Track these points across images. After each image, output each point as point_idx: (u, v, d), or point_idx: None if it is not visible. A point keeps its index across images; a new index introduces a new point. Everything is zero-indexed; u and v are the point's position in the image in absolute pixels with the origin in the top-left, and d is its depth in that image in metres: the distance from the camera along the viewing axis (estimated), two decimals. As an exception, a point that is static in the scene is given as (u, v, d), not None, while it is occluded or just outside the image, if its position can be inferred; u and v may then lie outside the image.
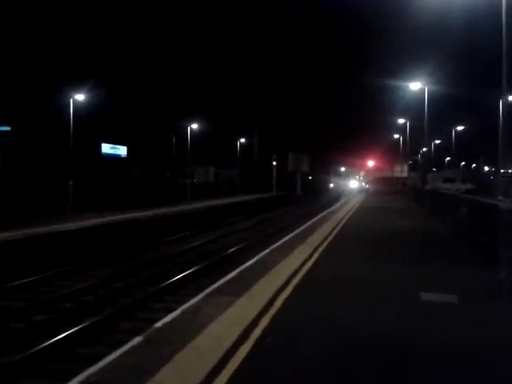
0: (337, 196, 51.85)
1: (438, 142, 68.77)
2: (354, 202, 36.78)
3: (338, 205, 35.92)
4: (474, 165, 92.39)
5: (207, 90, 53.40)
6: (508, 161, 8.77)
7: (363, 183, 66.60)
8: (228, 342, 5.44)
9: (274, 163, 61.26)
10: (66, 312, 10.37)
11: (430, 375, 4.93)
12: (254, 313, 6.64)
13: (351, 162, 63.40)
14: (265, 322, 6.29)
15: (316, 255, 11.74)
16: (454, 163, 72.91)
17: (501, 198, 8.48)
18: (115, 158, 37.04)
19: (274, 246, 13.77)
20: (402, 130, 49.14)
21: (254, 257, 11.98)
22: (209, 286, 8.70)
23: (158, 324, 6.13)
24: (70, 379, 4.70)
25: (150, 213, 24.85)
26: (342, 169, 61.42)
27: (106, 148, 36.25)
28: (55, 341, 8.05)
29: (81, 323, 8.98)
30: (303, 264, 10.54)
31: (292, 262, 10.68)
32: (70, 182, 26.81)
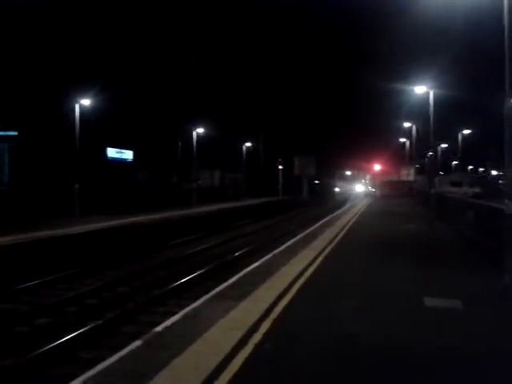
0: (343, 200, 51.69)
1: (444, 145, 68.45)
2: (360, 206, 36.64)
3: (343, 209, 35.81)
4: (481, 169, 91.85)
5: (213, 94, 53.44)
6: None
7: (369, 187, 66.34)
8: (227, 347, 5.40)
9: (280, 167, 61.20)
10: (69, 315, 10.38)
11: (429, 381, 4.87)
12: (254, 317, 6.60)
13: (357, 166, 63.27)
14: (265, 326, 6.24)
15: (319, 260, 11.67)
16: (462, 167, 72.56)
17: (507, 201, 8.39)
18: (121, 162, 37.17)
19: (278, 250, 13.72)
20: (408, 133, 48.99)
21: (257, 261, 11.95)
22: (212, 289, 8.68)
23: (158, 328, 6.10)
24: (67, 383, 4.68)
25: (156, 216, 24.92)
26: (348, 172, 61.21)
27: (112, 152, 36.36)
28: (57, 344, 8.07)
29: (82, 327, 8.99)
30: (306, 268, 10.48)
31: (295, 267, 10.62)
32: (76, 186, 26.93)
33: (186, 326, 6.21)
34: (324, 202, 52.95)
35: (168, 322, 6.35)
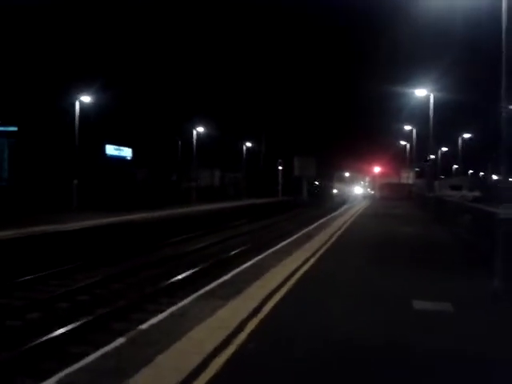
0: (341, 201, 51.64)
1: (445, 149, 68.41)
2: (358, 208, 36.60)
3: (341, 210, 35.78)
4: (482, 173, 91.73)
5: (214, 94, 53.46)
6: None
7: (368, 189, 66.27)
8: (210, 347, 5.36)
9: (280, 168, 61.18)
10: (61, 311, 10.38)
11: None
12: (242, 316, 6.57)
13: (356, 168, 63.19)
14: (251, 326, 6.21)
15: (313, 260, 11.64)
16: (462, 171, 72.46)
17: (504, 205, 8.35)
18: (120, 159, 37.14)
19: (273, 249, 13.71)
20: (408, 136, 48.94)
21: (251, 260, 11.93)
22: (204, 288, 8.64)
23: (143, 326, 6.07)
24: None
25: (154, 214, 24.93)
26: (347, 174, 61.11)
27: (111, 149, 36.31)
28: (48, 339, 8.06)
29: (72, 322, 8.98)
30: (299, 268, 10.46)
31: (288, 267, 10.59)
32: (75, 182, 26.93)
33: (172, 324, 6.18)
34: (323, 203, 52.92)
35: (154, 320, 6.32)
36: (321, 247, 13.98)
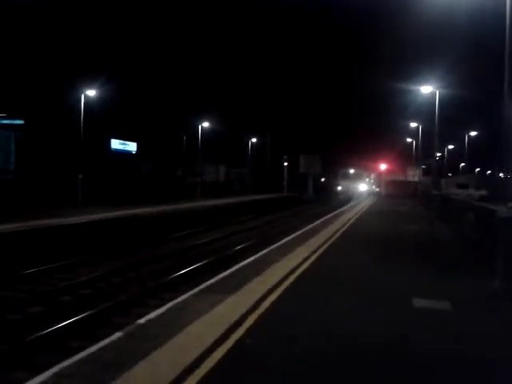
0: (346, 198, 51.52)
1: (451, 147, 68.02)
2: (363, 205, 36.52)
3: (346, 207, 35.71)
4: (489, 171, 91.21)
5: (219, 89, 53.45)
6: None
7: (373, 186, 66.03)
8: (208, 341, 5.38)
9: (286, 164, 61.12)
10: (63, 304, 10.46)
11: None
12: (240, 312, 6.58)
13: (362, 165, 62.98)
14: (250, 321, 6.22)
15: (316, 255, 11.66)
16: (469, 169, 72.07)
17: (510, 204, 8.30)
18: (125, 153, 37.22)
19: (276, 245, 13.74)
20: (414, 133, 48.71)
21: (254, 255, 11.93)
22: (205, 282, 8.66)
23: (141, 320, 6.10)
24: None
25: (159, 209, 25.03)
26: (352, 171, 60.85)
27: (116, 144, 36.39)
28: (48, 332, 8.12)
29: (74, 316, 9.04)
30: (301, 264, 10.47)
31: (290, 262, 10.60)
32: (80, 176, 27.05)
33: (171, 319, 6.21)
34: (328, 200, 52.85)
35: (153, 315, 6.35)
36: (325, 243, 14.00)
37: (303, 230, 18.11)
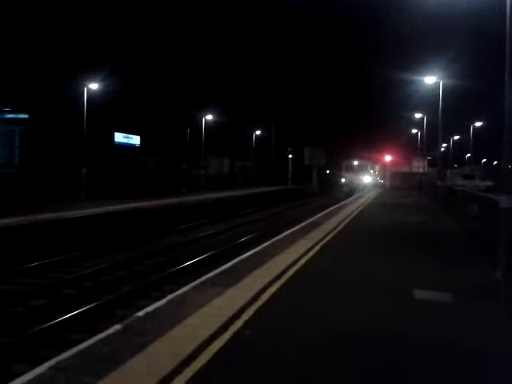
0: (350, 191, 51.36)
1: (457, 137, 67.53)
2: (367, 197, 36.42)
3: (350, 199, 35.63)
4: (495, 162, 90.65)
5: (223, 82, 53.23)
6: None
7: (378, 178, 65.72)
8: (206, 334, 5.38)
9: (290, 156, 60.99)
10: (66, 297, 10.51)
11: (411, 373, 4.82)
12: (239, 304, 6.57)
13: (366, 156, 62.65)
14: (248, 314, 6.22)
15: (317, 248, 11.63)
16: (475, 160, 71.59)
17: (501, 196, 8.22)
18: (128, 146, 37.25)
19: (278, 237, 13.70)
20: (419, 124, 48.42)
21: (255, 247, 11.92)
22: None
23: (140, 313, 6.11)
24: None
25: (163, 202, 25.11)
26: (356, 162, 60.51)
27: (119, 137, 36.40)
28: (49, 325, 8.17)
29: (76, 309, 9.10)
30: (303, 256, 10.46)
31: (291, 255, 10.58)
32: (84, 170, 27.12)
33: (170, 312, 6.21)
34: (332, 192, 52.74)
35: (151, 308, 6.36)
36: (327, 235, 13.98)
37: (306, 222, 18.09)
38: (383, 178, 64.02)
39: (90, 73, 28.54)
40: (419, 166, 57.05)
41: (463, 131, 63.38)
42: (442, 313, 6.80)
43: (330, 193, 52.58)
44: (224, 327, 5.64)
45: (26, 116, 35.34)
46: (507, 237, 7.45)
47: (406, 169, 58.91)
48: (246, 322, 5.87)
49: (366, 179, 59.72)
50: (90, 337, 5.52)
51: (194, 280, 8.50)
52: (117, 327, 5.54)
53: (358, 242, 13.21)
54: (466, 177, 53.07)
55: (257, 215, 28.73)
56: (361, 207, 25.55)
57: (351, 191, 50.79)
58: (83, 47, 34.37)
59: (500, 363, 5.11)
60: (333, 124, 76.97)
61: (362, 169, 60.46)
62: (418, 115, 45.89)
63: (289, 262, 9.82)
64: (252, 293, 7.19)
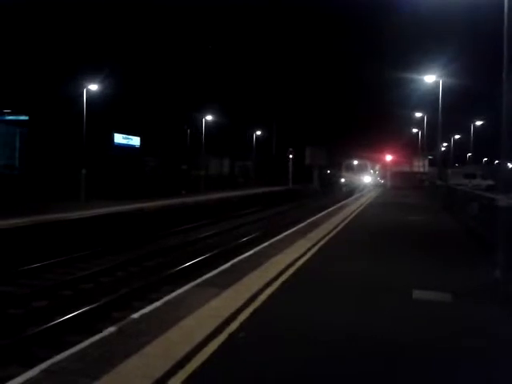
0: (351, 191, 51.27)
1: (457, 136, 67.38)
2: (368, 197, 36.35)
3: (351, 199, 35.56)
4: (497, 161, 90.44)
5: (223, 82, 53.16)
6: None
7: (378, 178, 65.57)
8: (201, 336, 5.34)
9: (291, 156, 60.90)
10: (65, 298, 10.50)
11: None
12: (236, 305, 6.53)
13: (366, 156, 62.51)
14: (245, 315, 6.17)
15: (316, 248, 11.59)
16: (476, 159, 71.43)
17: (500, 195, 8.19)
18: (128, 147, 37.22)
19: (277, 238, 13.65)
20: (419, 123, 48.33)
21: (253, 249, 11.88)
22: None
23: (135, 315, 6.07)
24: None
25: (164, 203, 25.08)
26: (356, 162, 60.32)
27: (119, 138, 36.38)
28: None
29: (74, 310, 9.08)
30: (301, 257, 10.41)
31: (289, 256, 10.53)
32: (83, 171, 27.09)
33: (165, 313, 6.17)
34: (333, 192, 52.67)
35: (147, 309, 6.32)
36: (327, 235, 13.94)
37: (306, 222, 18.04)
38: (384, 177, 63.88)
39: (90, 74, 28.52)
40: (420, 165, 56.95)
41: (464, 130, 63.28)
42: (441, 313, 6.76)
43: (331, 193, 52.51)
44: (220, 329, 5.60)
45: (27, 118, 35.31)
46: (506, 235, 7.40)
47: (406, 168, 58.76)
48: (242, 324, 5.83)
49: (367, 179, 59.57)
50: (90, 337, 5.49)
51: (193, 279, 8.47)
52: (111, 329, 5.50)
53: (358, 241, 13.16)
54: (467, 176, 52.95)
55: (257, 215, 28.72)
56: (361, 207, 25.49)
57: (352, 191, 50.71)
58: (83, 48, 34.38)
59: (500, 363, 5.07)
60: (333, 124, 76.90)
61: (362, 168, 60.31)
62: (418, 114, 45.79)
63: (288, 262, 9.77)
64: (250, 294, 7.15)
